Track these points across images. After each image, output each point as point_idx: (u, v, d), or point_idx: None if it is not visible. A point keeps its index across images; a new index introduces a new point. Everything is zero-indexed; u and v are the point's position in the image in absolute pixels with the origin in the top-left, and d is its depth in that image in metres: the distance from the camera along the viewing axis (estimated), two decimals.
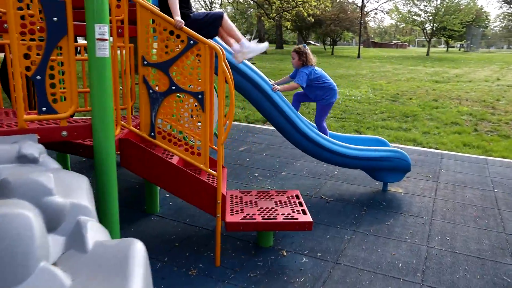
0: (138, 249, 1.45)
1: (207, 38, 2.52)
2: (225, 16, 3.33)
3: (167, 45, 2.50)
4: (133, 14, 2.49)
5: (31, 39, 2.05)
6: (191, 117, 2.73)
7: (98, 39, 2.14)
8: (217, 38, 3.57)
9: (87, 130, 2.29)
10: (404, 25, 52.51)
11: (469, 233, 3.40)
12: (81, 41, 4.78)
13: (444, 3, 39.86)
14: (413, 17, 43.04)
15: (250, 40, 3.47)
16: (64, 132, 2.23)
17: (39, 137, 2.11)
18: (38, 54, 2.04)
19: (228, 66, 3.20)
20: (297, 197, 3.24)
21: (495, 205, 4.01)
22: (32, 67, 2.04)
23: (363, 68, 21.32)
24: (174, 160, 2.87)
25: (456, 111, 9.23)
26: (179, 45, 2.50)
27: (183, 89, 2.55)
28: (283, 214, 2.90)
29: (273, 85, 3.87)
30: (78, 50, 3.91)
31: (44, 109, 2.12)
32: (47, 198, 1.57)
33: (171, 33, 2.49)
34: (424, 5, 41.40)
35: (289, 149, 5.58)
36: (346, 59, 29.02)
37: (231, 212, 2.91)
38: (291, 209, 2.99)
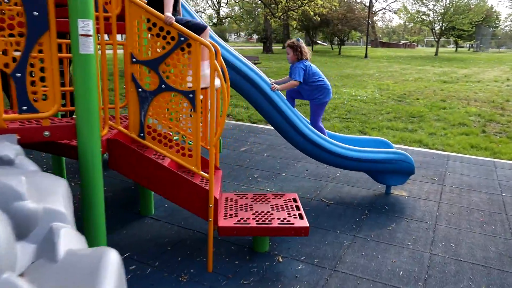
0: (111, 258, 1.38)
1: None
2: (207, 31, 2.93)
3: (156, 41, 2.40)
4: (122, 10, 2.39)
5: (10, 35, 1.95)
6: (184, 116, 2.63)
7: (81, 35, 2.04)
8: (213, 35, 3.46)
9: (71, 130, 2.19)
10: (412, 24, 51.99)
11: (474, 240, 3.25)
12: None
13: (454, 2, 39.41)
14: (422, 16, 42.63)
15: None
16: (47, 132, 2.14)
17: (19, 137, 2.02)
18: (17, 51, 1.95)
19: (223, 64, 3.09)
20: (295, 200, 3.12)
21: (503, 210, 3.85)
22: (10, 64, 1.95)
23: (370, 68, 21.07)
24: (166, 162, 2.77)
25: (464, 111, 9.02)
26: (170, 42, 2.40)
27: (173, 88, 2.44)
28: (278, 219, 2.78)
29: (272, 84, 3.76)
30: None
31: (24, 108, 2.03)
32: (17, 203, 1.48)
33: (161, 29, 2.39)
34: (433, 4, 41.01)
35: (290, 150, 5.45)
36: (353, 59, 28.77)
37: (224, 216, 2.80)
38: (288, 213, 2.87)
